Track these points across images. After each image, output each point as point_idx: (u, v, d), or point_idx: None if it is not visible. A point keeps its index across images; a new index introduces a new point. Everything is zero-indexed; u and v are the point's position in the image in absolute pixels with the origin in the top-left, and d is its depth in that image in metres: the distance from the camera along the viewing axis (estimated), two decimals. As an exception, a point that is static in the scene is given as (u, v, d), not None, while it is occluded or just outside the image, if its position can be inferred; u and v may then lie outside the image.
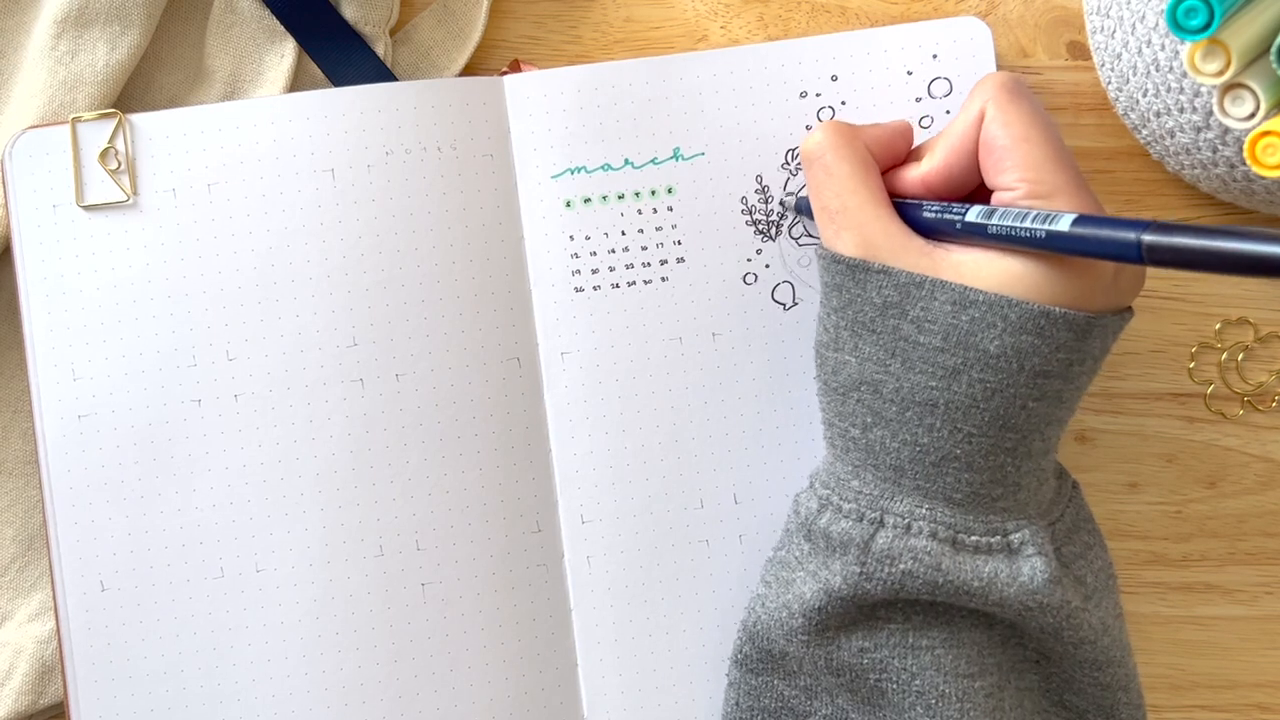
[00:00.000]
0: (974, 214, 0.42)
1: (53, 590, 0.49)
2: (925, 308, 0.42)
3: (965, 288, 0.41)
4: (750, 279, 0.51)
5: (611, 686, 0.50)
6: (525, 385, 0.50)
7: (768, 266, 0.51)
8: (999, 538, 0.43)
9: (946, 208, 0.43)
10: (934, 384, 0.42)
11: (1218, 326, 0.53)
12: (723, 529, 0.50)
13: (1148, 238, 0.36)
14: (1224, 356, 0.53)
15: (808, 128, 0.50)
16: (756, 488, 0.50)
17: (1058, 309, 0.41)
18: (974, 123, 0.43)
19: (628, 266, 0.50)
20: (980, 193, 0.44)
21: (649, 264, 0.50)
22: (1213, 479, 0.53)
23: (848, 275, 0.43)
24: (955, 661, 0.44)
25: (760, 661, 0.46)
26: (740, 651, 0.47)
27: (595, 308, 0.50)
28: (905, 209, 0.44)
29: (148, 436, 0.49)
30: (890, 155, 0.46)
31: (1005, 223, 0.41)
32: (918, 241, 0.43)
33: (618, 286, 0.50)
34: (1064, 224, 0.39)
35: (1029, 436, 0.42)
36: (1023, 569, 0.42)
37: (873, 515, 0.43)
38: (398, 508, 0.49)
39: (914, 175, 0.45)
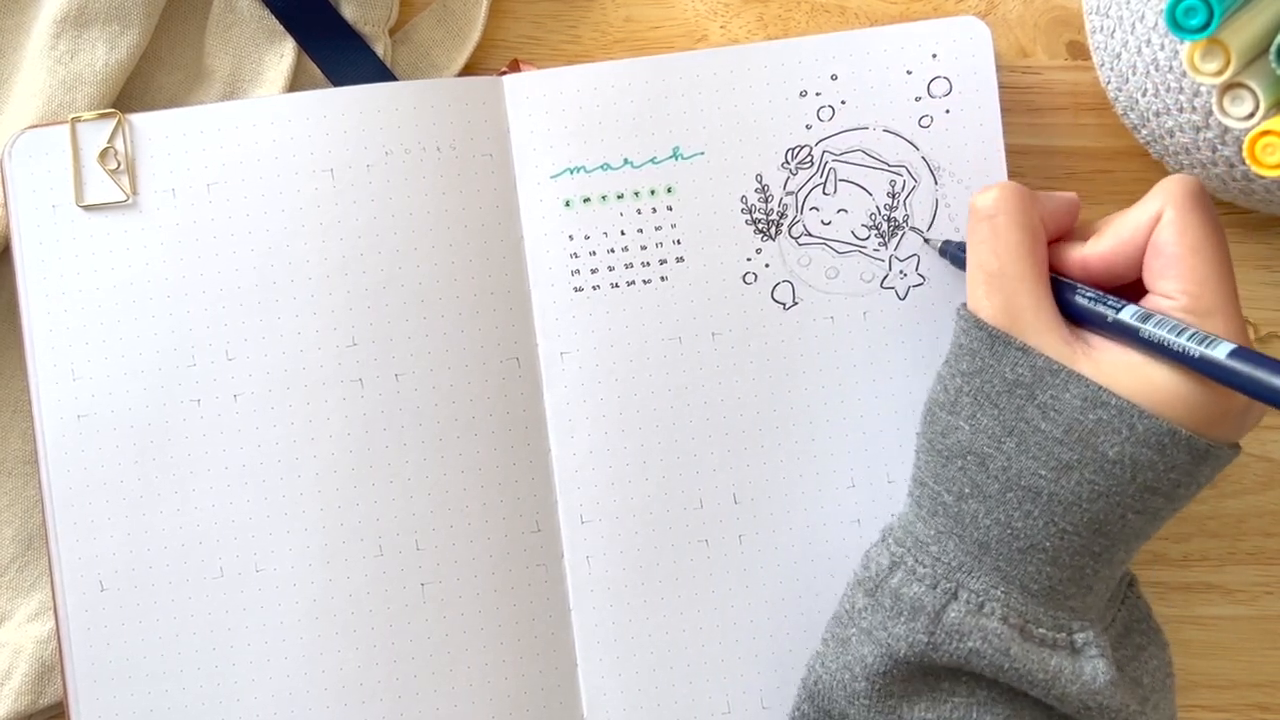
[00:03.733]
0: (1128, 313, 0.41)
1: (52, 590, 0.49)
2: (1055, 396, 0.41)
3: (1100, 387, 0.41)
4: (750, 278, 0.50)
5: (611, 686, 0.50)
6: (525, 385, 0.50)
7: (767, 266, 0.51)
8: (1064, 635, 0.43)
9: (1101, 298, 0.42)
10: (1044, 473, 0.41)
11: (1218, 326, 0.53)
12: (722, 529, 0.50)
13: None
14: None
15: (808, 127, 0.50)
16: (756, 488, 0.50)
17: (1184, 431, 0.40)
18: (1150, 221, 0.42)
19: (627, 266, 0.50)
20: (1134, 287, 0.44)
21: (648, 264, 0.50)
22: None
23: (985, 343, 0.43)
24: None
25: None
26: (799, 710, 0.46)
27: (595, 307, 0.50)
28: (1059, 287, 0.44)
29: (147, 436, 0.49)
30: (1057, 229, 0.45)
31: (1160, 332, 0.40)
32: (1063, 328, 0.42)
33: (617, 286, 0.50)
34: (1220, 352, 0.39)
35: (1116, 545, 0.42)
36: (1085, 669, 0.42)
37: (948, 585, 0.43)
38: (397, 508, 0.49)
39: (1075, 255, 0.44)
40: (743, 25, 0.54)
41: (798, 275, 0.51)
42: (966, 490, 0.43)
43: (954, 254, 0.49)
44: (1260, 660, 0.53)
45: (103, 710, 0.49)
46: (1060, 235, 0.45)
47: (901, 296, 0.50)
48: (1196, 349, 0.39)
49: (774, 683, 0.49)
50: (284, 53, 0.52)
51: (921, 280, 0.50)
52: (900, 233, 0.51)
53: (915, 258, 0.50)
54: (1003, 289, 0.43)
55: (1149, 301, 0.42)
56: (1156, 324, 0.41)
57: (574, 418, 0.50)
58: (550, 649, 0.50)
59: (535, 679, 0.50)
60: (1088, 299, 0.43)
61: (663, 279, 0.50)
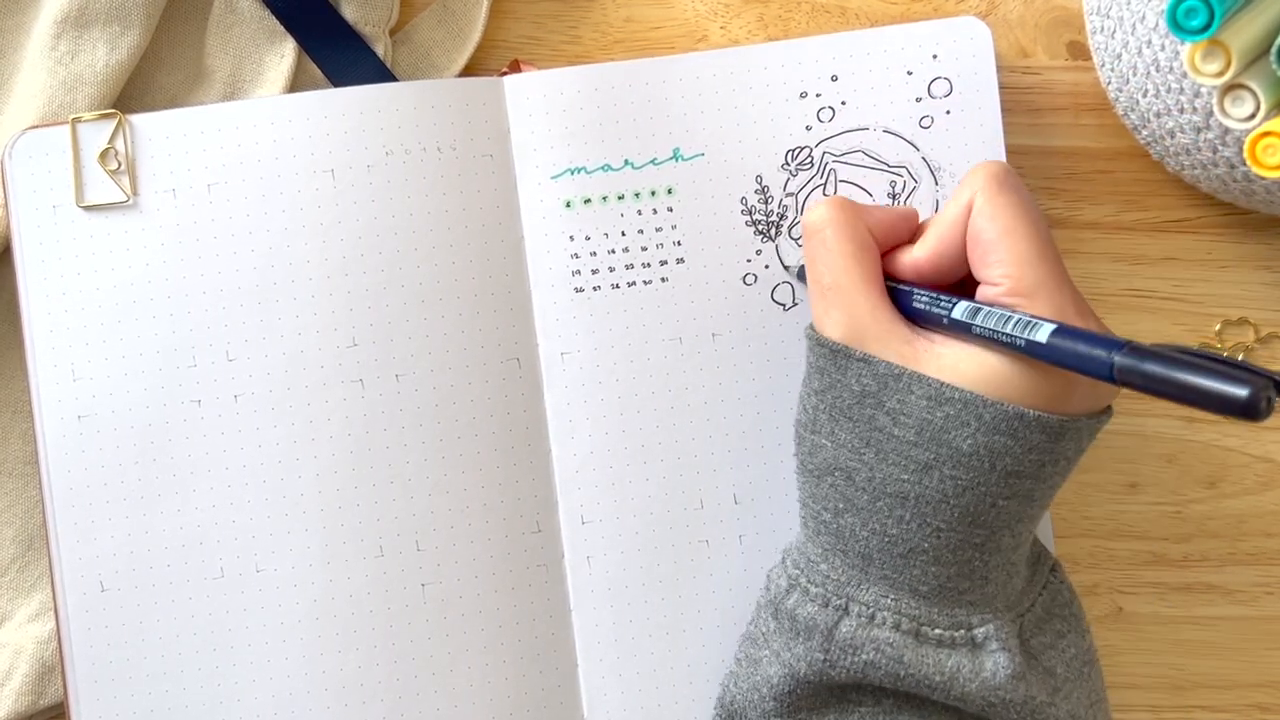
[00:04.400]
0: (960, 310, 0.42)
1: (53, 591, 0.49)
2: (901, 400, 0.42)
3: (941, 384, 0.41)
4: (750, 279, 0.50)
5: (611, 686, 0.50)
6: (525, 385, 0.50)
7: (767, 267, 0.51)
8: (963, 631, 0.43)
9: (935, 299, 0.43)
10: (906, 477, 0.42)
11: (1218, 327, 0.53)
12: (723, 529, 0.50)
13: (1119, 359, 0.37)
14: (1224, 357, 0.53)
15: (808, 128, 0.50)
16: (756, 488, 0.50)
17: (1031, 412, 0.40)
18: (963, 212, 0.43)
19: (628, 267, 0.50)
20: (972, 280, 0.44)
21: (649, 264, 0.50)
22: (1213, 479, 0.53)
23: (830, 359, 0.43)
24: None
25: None
26: None
27: (595, 308, 0.50)
28: (897, 294, 0.44)
29: (147, 437, 0.49)
30: (892, 238, 0.45)
31: (988, 325, 0.41)
32: (903, 329, 0.43)
33: (618, 287, 0.50)
34: (1043, 334, 0.39)
35: (998, 532, 0.42)
36: (985, 664, 0.42)
37: (838, 602, 0.43)
38: (398, 508, 0.49)
39: (907, 260, 0.45)
40: (743, 26, 0.54)
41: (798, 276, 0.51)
42: (840, 506, 0.43)
43: (803, 276, 0.49)
44: (1260, 660, 0.53)
45: (103, 710, 0.49)
46: (895, 245, 0.45)
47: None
48: (1021, 336, 0.40)
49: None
50: (284, 53, 0.52)
51: (922, 281, 0.50)
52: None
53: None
54: (839, 302, 0.43)
55: (980, 292, 0.42)
56: (984, 317, 0.41)
57: (574, 418, 0.50)
58: (550, 649, 0.50)
59: (535, 679, 0.50)
60: (924, 302, 0.43)
61: (663, 280, 0.50)
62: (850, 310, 0.43)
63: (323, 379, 0.49)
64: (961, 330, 0.42)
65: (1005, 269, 0.41)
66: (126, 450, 0.49)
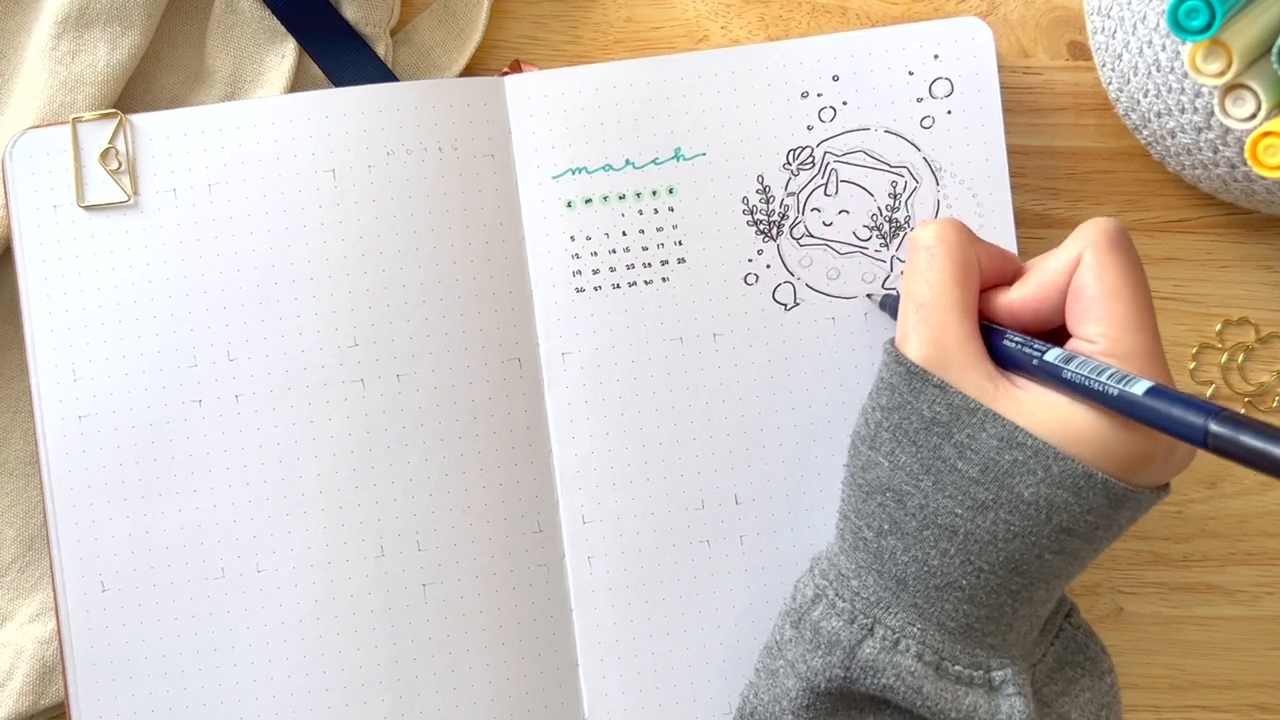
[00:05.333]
0: (1052, 355, 0.41)
1: (53, 591, 0.49)
2: (971, 436, 0.41)
3: (1015, 427, 0.41)
4: (751, 279, 0.50)
5: (612, 686, 0.50)
6: (526, 386, 0.50)
7: (769, 267, 0.51)
8: (981, 672, 0.43)
9: (1028, 341, 0.42)
10: (960, 511, 0.41)
11: (1219, 327, 0.53)
12: (723, 529, 0.50)
13: (1215, 427, 0.37)
14: (1225, 357, 0.53)
15: (809, 128, 0.50)
16: (757, 488, 0.50)
17: (1099, 474, 0.40)
18: (1070, 265, 0.42)
19: (628, 267, 0.50)
20: (1060, 334, 0.44)
21: (650, 264, 0.50)
22: (1213, 479, 0.53)
23: (904, 379, 0.43)
24: None
25: None
26: None
27: (596, 308, 0.50)
28: (988, 332, 0.44)
29: (148, 437, 0.49)
30: (995, 276, 0.45)
31: (1081, 372, 0.40)
32: (988, 366, 0.42)
33: (618, 287, 0.50)
34: (1138, 389, 0.39)
35: (1035, 584, 0.42)
36: (1001, 707, 0.42)
37: (865, 621, 0.43)
38: (398, 508, 0.49)
39: (1002, 301, 0.44)
40: (744, 26, 0.54)
41: (799, 276, 0.51)
42: (885, 526, 0.43)
43: (890, 306, 0.49)
44: (1260, 660, 0.53)
45: (104, 711, 0.49)
46: (995, 283, 0.45)
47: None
48: (1115, 387, 0.39)
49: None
50: (285, 53, 0.52)
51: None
52: (902, 234, 0.51)
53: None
54: (931, 320, 0.43)
55: (1072, 345, 0.42)
56: (1079, 365, 0.41)
57: (575, 418, 0.50)
58: (551, 649, 0.50)
59: (536, 679, 0.50)
60: (1015, 343, 0.43)
61: (664, 280, 0.50)
62: (940, 333, 0.42)
63: (323, 379, 0.49)
64: (1050, 375, 0.41)
65: (1104, 328, 0.41)
66: (127, 450, 0.49)
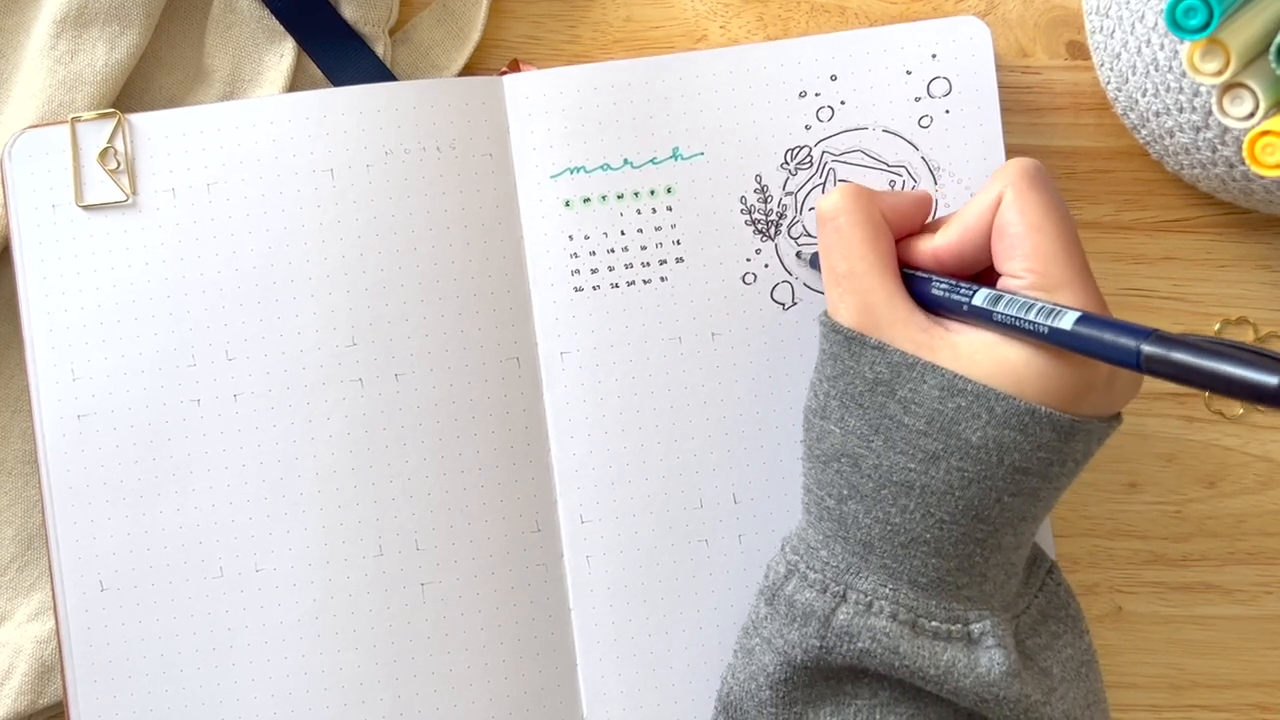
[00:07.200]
0: (981, 298, 0.42)
1: (52, 590, 0.49)
2: (914, 389, 0.42)
3: (955, 375, 0.41)
4: (749, 279, 0.51)
5: (611, 686, 0.50)
6: (525, 385, 0.50)
7: (767, 266, 0.51)
8: (959, 626, 0.43)
9: (955, 286, 0.43)
10: (913, 466, 0.42)
11: (1217, 326, 0.53)
12: (722, 529, 0.50)
13: (1147, 348, 0.37)
14: (1251, 346, 0.53)
15: (807, 127, 0.50)
16: (756, 487, 0.50)
17: (1043, 408, 0.40)
18: (991, 205, 0.43)
19: (627, 266, 0.50)
20: (988, 273, 0.44)
21: (648, 264, 0.50)
22: (1212, 479, 0.53)
23: (843, 346, 0.43)
24: None
25: None
26: None
27: (595, 307, 0.50)
28: (914, 281, 0.44)
29: (147, 436, 0.49)
30: (906, 224, 0.45)
31: (1010, 311, 0.40)
32: (919, 317, 0.43)
33: (617, 286, 0.50)
34: (1067, 321, 0.39)
35: (1000, 530, 0.42)
36: (980, 660, 0.42)
37: (836, 588, 0.43)
38: (397, 507, 0.49)
39: (926, 248, 0.44)
40: (742, 25, 0.54)
41: (797, 275, 0.51)
42: (845, 492, 0.43)
43: (817, 264, 0.49)
44: (1260, 660, 0.53)
45: (102, 710, 0.49)
46: (910, 231, 0.45)
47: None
48: (1045, 323, 0.39)
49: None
50: (284, 53, 0.52)
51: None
52: (900, 233, 0.51)
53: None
54: (854, 288, 0.43)
55: (1002, 284, 0.42)
56: (1007, 304, 0.41)
57: (574, 417, 0.50)
58: (550, 649, 0.50)
59: (535, 679, 0.50)
60: (943, 290, 0.43)
61: (662, 279, 0.50)
62: (865, 297, 0.43)
63: (322, 378, 0.49)
64: (981, 318, 0.42)
65: (1030, 263, 0.41)
66: (126, 449, 0.49)
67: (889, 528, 0.42)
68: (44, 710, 0.51)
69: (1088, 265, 0.42)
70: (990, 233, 0.43)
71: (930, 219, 0.46)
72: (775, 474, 0.50)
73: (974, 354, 0.41)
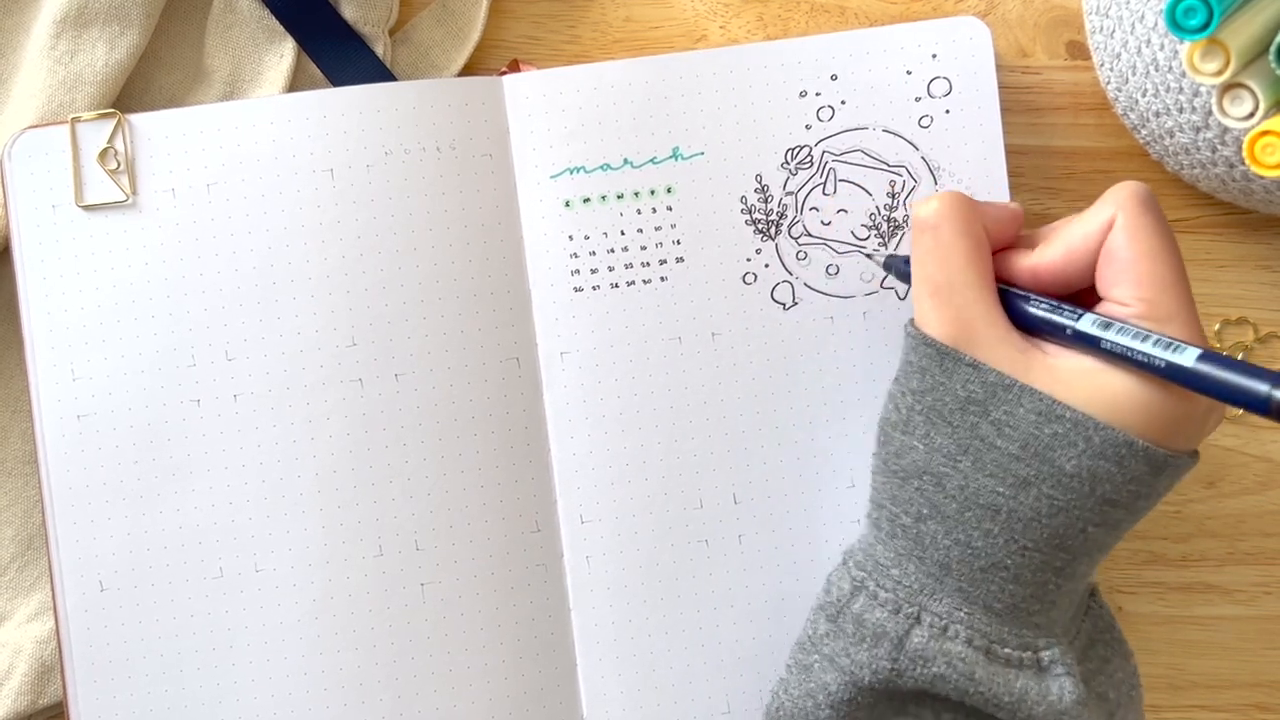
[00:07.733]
0: (1087, 323, 0.40)
1: (52, 590, 0.49)
2: (1009, 412, 0.41)
3: (1053, 401, 0.40)
4: (750, 279, 0.51)
5: (611, 686, 0.50)
6: (524, 385, 0.50)
7: (767, 266, 0.51)
8: (1030, 654, 0.42)
9: (1056, 307, 0.41)
10: (1002, 490, 0.41)
11: (1217, 326, 0.53)
12: (722, 529, 0.50)
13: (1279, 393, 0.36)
14: None
15: (807, 127, 0.50)
16: (756, 488, 0.50)
17: (1140, 441, 0.39)
18: (1101, 227, 0.41)
19: (627, 266, 0.50)
20: (1083, 295, 0.43)
21: (648, 264, 0.50)
22: (1212, 479, 0.53)
23: (934, 360, 0.42)
24: None
25: None
26: None
27: (594, 307, 0.50)
28: (1010, 298, 0.43)
29: (147, 436, 0.49)
30: (1003, 238, 0.44)
31: (1122, 341, 0.39)
32: (1016, 337, 0.41)
33: (617, 286, 0.50)
34: (1188, 358, 0.38)
35: (1078, 559, 0.42)
36: (1051, 688, 0.42)
37: (910, 609, 0.42)
38: (397, 507, 0.49)
39: (1025, 264, 0.43)
40: (742, 25, 0.54)
41: (797, 275, 0.51)
42: (925, 511, 0.42)
43: (899, 269, 0.48)
44: (1260, 660, 0.53)
45: (102, 710, 0.49)
46: (1004, 245, 0.44)
47: (901, 297, 0.50)
48: (1163, 357, 0.39)
49: (773, 683, 0.49)
50: (284, 53, 0.52)
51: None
52: (900, 233, 0.51)
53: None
54: (951, 301, 0.42)
55: (1103, 309, 0.41)
56: (1118, 332, 0.40)
57: (574, 418, 0.50)
58: (550, 649, 0.50)
59: (535, 679, 0.50)
60: (1044, 310, 0.42)
61: (662, 279, 0.50)
62: (962, 312, 0.42)
63: (322, 378, 0.49)
64: (1086, 343, 0.40)
65: (1140, 291, 0.40)
66: (126, 450, 0.49)
67: (969, 551, 0.41)
68: (44, 710, 0.51)
69: (1193, 299, 0.41)
70: (1096, 255, 0.42)
71: None
72: (776, 474, 0.50)
73: (1072, 380, 0.40)
